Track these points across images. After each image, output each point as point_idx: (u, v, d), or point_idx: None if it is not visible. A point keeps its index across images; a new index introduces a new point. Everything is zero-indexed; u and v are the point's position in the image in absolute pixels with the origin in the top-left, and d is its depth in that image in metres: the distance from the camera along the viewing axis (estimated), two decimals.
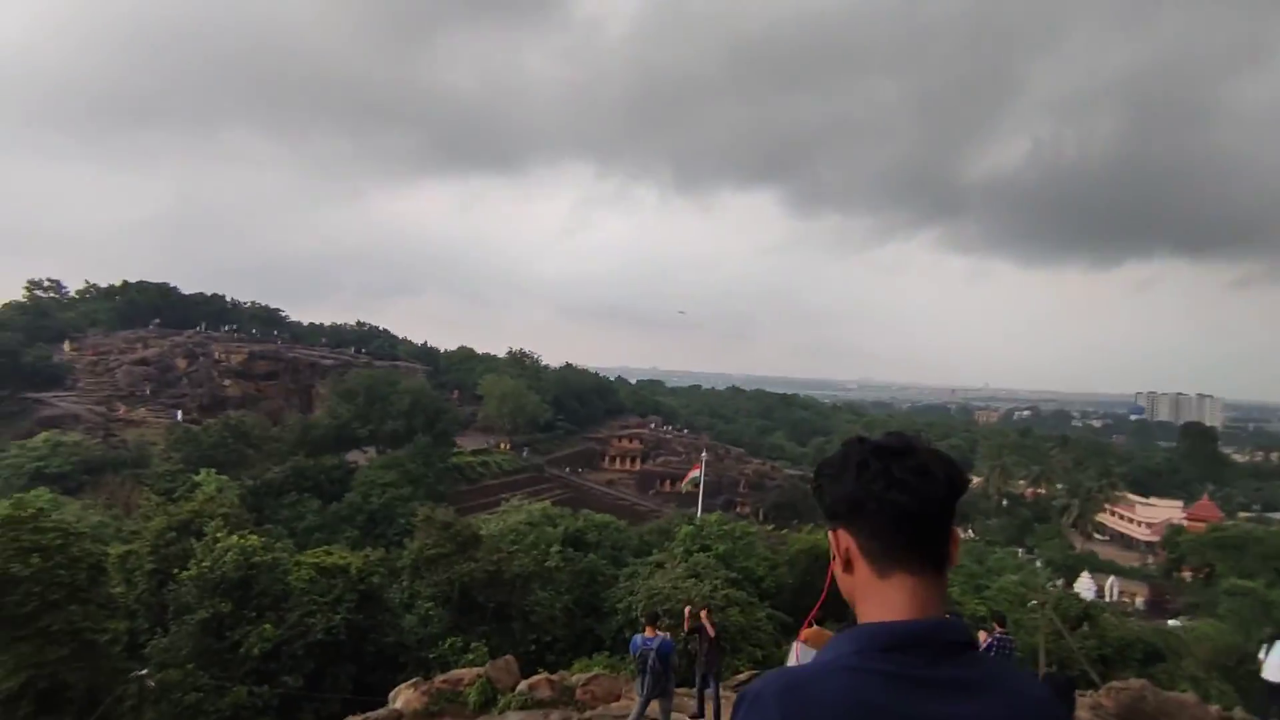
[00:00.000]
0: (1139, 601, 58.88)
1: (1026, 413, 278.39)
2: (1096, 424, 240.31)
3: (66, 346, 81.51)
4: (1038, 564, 61.46)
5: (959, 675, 1.36)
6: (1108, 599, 53.31)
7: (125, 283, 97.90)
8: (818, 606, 1.69)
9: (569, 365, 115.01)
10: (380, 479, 52.91)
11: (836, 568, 1.55)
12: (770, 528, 47.75)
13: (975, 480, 79.83)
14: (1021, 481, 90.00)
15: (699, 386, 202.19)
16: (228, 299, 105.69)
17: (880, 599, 1.46)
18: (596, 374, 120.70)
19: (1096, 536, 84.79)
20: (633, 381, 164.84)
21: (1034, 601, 28.10)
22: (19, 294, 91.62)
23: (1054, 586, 43.51)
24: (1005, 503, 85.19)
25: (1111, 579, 61.01)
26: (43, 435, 52.60)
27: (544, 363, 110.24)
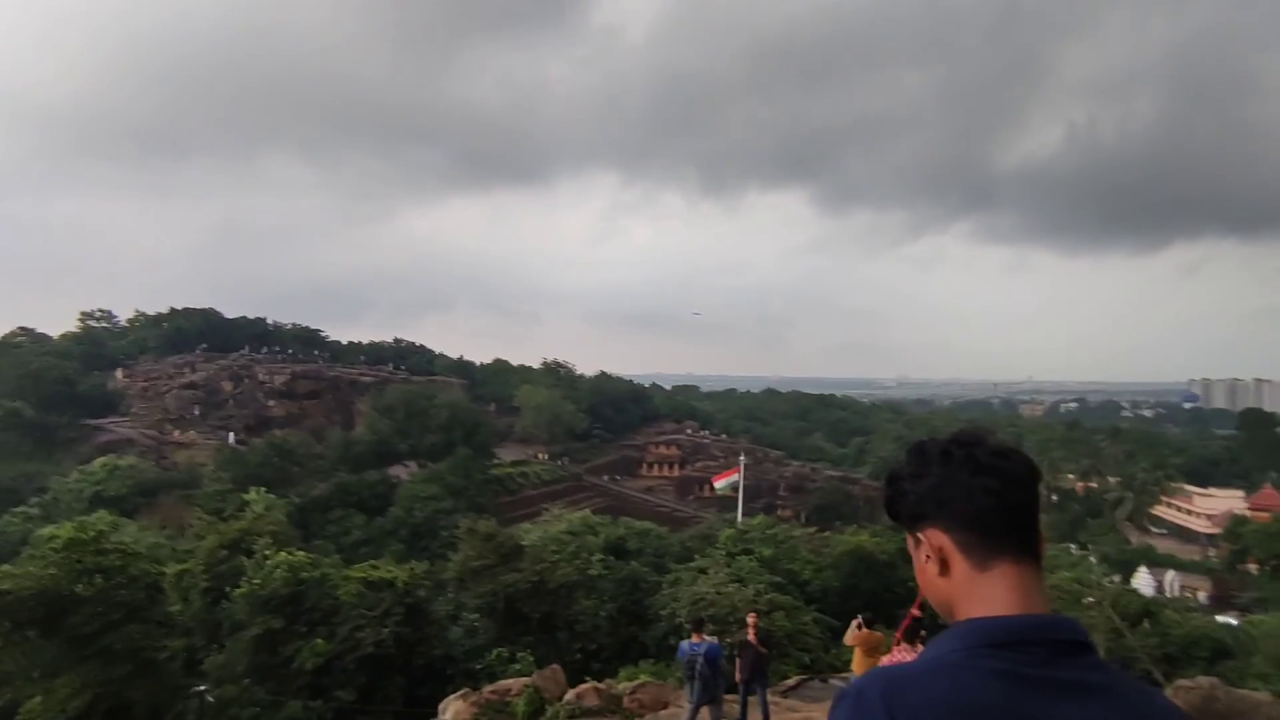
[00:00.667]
0: (1202, 596, 56.71)
1: (1073, 405, 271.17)
2: (1148, 414, 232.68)
3: (119, 374, 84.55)
4: (1092, 560, 59.55)
5: (1076, 677, 1.26)
6: (1168, 595, 51.40)
7: (172, 310, 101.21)
8: (908, 620, 1.45)
9: (603, 374, 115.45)
10: (422, 492, 53.66)
11: (928, 572, 1.44)
12: (813, 530, 47.05)
13: None
14: (1071, 475, 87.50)
15: (734, 390, 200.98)
16: (269, 322, 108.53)
17: (983, 595, 1.37)
18: (631, 381, 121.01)
19: (1153, 530, 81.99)
20: (667, 387, 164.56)
21: (1090, 599, 27.22)
22: (74, 325, 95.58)
23: (1110, 583, 42.10)
24: (1055, 498, 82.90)
25: (1171, 574, 58.86)
26: (100, 460, 54.55)
27: (578, 372, 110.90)
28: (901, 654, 8.52)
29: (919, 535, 1.47)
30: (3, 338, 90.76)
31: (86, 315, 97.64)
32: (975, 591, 1.38)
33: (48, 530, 33.97)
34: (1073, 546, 65.98)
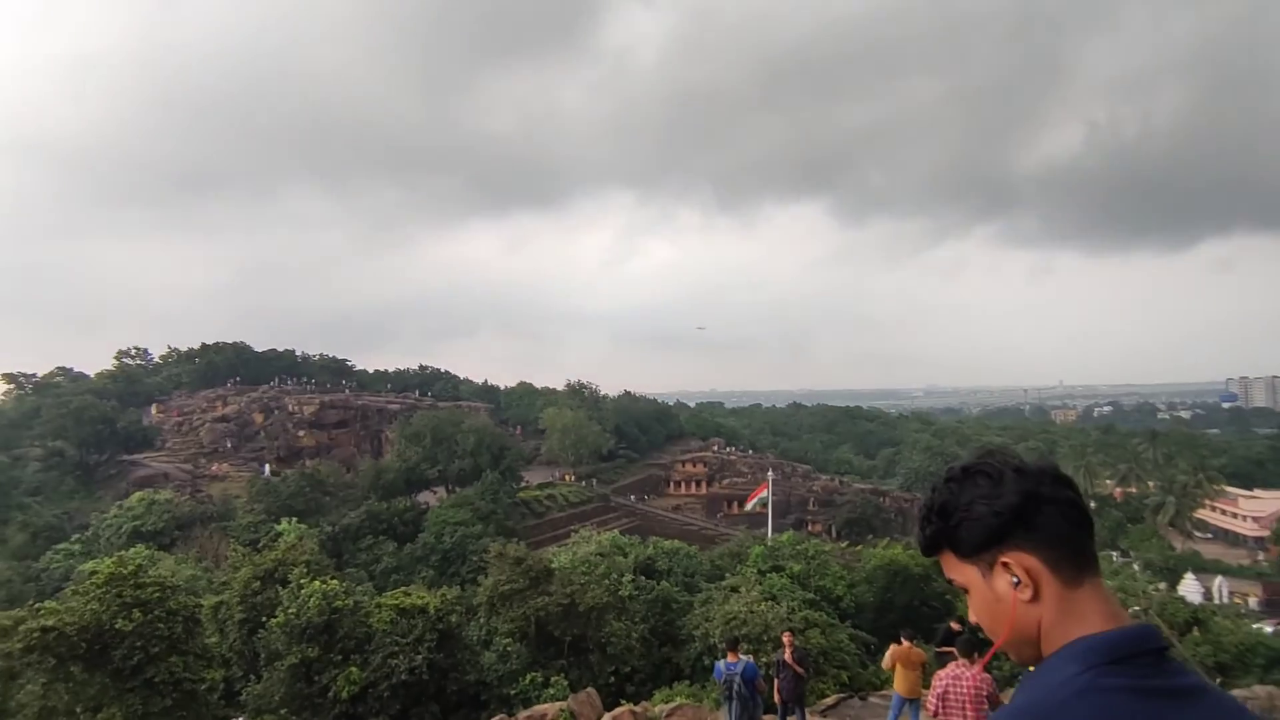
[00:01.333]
0: (1253, 602, 54.79)
1: (1107, 408, 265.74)
2: (1185, 415, 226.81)
3: (153, 409, 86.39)
4: (1135, 567, 57.91)
5: (1180, 683, 1.26)
6: (1217, 601, 49.72)
7: (204, 345, 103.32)
8: (991, 652, 1.39)
9: (627, 393, 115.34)
10: (451, 518, 53.86)
11: (1014, 599, 1.35)
12: (844, 545, 46.49)
13: None
14: (1109, 481, 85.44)
15: (759, 405, 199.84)
16: (298, 353, 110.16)
17: (1077, 614, 1.33)
18: (655, 400, 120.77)
19: (1197, 534, 79.53)
20: (691, 405, 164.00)
21: (1136, 608, 26.45)
22: (110, 364, 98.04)
23: (1156, 590, 40.85)
24: (1093, 504, 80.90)
25: (1219, 579, 57.00)
26: (137, 495, 55.60)
27: (602, 392, 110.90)
28: (960, 669, 8.34)
29: (1002, 560, 1.37)
30: (43, 378, 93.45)
31: (122, 354, 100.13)
32: (1069, 612, 1.33)
33: (88, 565, 34.70)
34: (1114, 554, 64.28)
